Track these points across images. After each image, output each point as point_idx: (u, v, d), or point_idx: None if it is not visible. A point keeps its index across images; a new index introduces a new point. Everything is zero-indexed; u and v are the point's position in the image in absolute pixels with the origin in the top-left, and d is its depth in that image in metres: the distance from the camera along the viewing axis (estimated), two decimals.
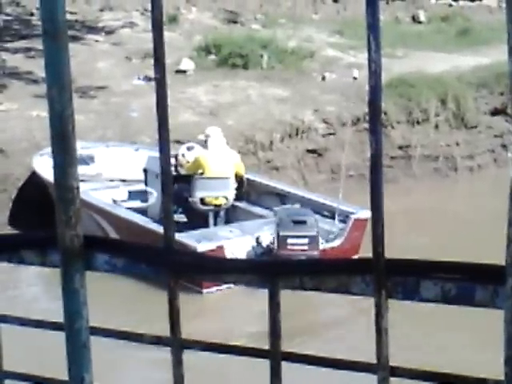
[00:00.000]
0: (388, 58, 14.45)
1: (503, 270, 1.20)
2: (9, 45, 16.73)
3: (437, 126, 14.83)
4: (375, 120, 1.29)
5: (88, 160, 11.09)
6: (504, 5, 1.11)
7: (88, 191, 10.19)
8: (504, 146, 15.33)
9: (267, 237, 9.20)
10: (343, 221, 9.70)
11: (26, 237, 1.63)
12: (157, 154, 1.49)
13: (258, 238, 9.26)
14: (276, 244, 8.79)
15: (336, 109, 14.22)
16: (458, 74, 15.89)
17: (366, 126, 14.23)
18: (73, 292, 1.43)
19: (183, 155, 10.71)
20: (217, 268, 1.44)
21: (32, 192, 11.10)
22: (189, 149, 10.77)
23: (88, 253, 1.48)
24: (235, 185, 10.44)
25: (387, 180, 12.37)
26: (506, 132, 15.43)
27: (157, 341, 1.57)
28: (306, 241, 8.69)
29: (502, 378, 1.23)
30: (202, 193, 10.15)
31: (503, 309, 1.21)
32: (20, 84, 14.57)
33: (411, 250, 9.12)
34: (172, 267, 1.44)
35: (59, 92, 1.40)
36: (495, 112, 15.68)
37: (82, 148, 10.27)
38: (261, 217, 10.29)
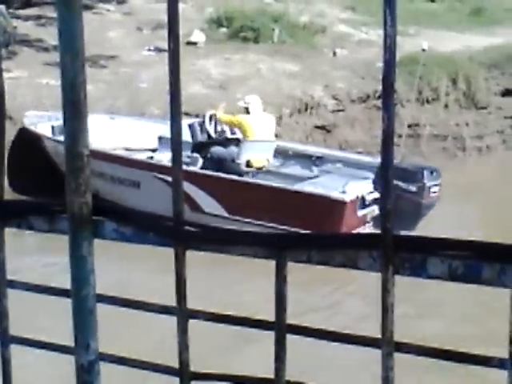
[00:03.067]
0: (400, 36, 14.29)
1: (511, 249, 1.20)
2: (20, 12, 16.68)
3: (446, 106, 14.78)
4: (388, 96, 1.28)
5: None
6: None
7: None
8: None
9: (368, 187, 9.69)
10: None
11: (35, 203, 1.64)
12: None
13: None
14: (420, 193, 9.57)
15: (346, 85, 14.18)
16: (469, 54, 15.82)
17: (376, 103, 14.19)
18: (81, 259, 1.44)
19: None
20: (225, 239, 1.44)
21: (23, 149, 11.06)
22: (210, 118, 11.01)
23: (96, 220, 1.49)
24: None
25: (395, 158, 12.35)
26: None
27: (163, 310, 1.58)
28: (438, 189, 9.79)
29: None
30: (248, 155, 10.30)
31: (510, 287, 1.22)
32: (30, 51, 14.55)
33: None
34: (180, 237, 1.44)
35: (72, 59, 1.40)
36: (506, 93, 15.61)
37: (57, 119, 10.36)
38: (298, 178, 10.48)
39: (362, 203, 9.52)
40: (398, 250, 1.32)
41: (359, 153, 12.01)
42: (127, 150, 11.13)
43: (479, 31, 18.08)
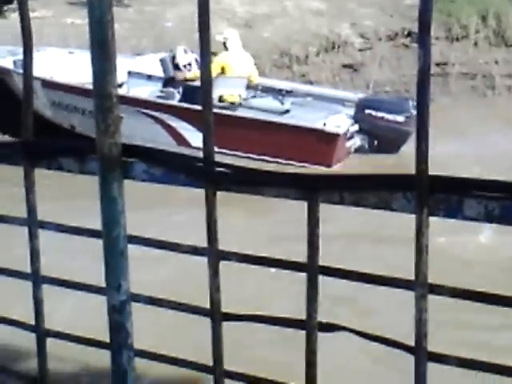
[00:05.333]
0: None
1: None
2: None
3: (476, 44, 14.53)
4: (424, 32, 1.25)
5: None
6: None
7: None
8: None
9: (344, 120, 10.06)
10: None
11: (65, 144, 1.62)
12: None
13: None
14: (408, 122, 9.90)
15: (373, 23, 13.96)
16: None
17: (404, 41, 13.98)
18: (111, 200, 1.43)
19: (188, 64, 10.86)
20: (256, 181, 1.42)
21: None
22: (185, 51, 11.00)
23: (126, 162, 1.47)
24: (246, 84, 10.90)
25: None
26: None
27: (193, 251, 1.57)
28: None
29: None
30: (220, 90, 10.37)
31: None
32: None
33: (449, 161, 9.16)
34: (211, 178, 1.42)
35: None
36: None
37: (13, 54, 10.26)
38: (270, 111, 10.61)
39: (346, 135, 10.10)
40: (433, 191, 1.30)
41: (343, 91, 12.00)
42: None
43: None
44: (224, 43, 10.58)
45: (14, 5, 13.39)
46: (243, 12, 13.97)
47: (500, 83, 14.34)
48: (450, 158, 9.55)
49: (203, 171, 1.42)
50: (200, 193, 1.45)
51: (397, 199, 1.34)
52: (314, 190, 1.38)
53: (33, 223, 1.61)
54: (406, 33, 13.88)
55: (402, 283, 1.39)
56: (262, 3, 14.41)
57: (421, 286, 1.32)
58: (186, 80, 10.63)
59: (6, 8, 13.39)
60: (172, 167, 1.46)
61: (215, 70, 10.24)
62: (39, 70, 10.97)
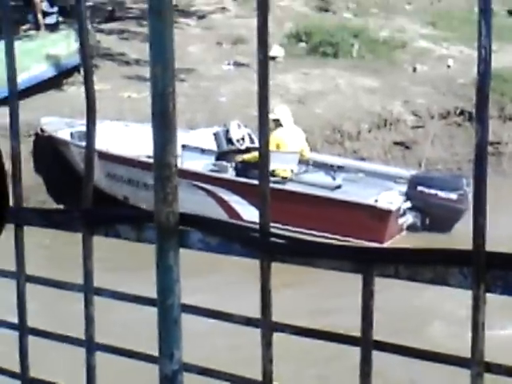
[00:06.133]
0: None
1: None
2: (103, 26, 17.00)
3: None
4: (483, 108, 1.26)
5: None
6: None
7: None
8: None
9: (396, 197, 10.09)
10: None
11: (123, 212, 1.65)
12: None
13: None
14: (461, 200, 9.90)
15: (426, 101, 14.02)
16: None
17: (456, 120, 13.98)
18: (167, 268, 1.44)
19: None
20: (311, 252, 1.43)
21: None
22: (239, 126, 11.19)
23: (183, 230, 1.49)
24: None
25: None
26: None
27: (246, 322, 1.57)
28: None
29: None
30: (274, 165, 10.51)
31: None
32: (112, 65, 14.80)
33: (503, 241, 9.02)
34: (266, 249, 1.43)
35: (163, 69, 1.41)
36: None
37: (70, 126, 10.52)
38: (323, 187, 10.66)
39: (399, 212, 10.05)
40: (490, 267, 1.29)
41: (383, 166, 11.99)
42: (149, 157, 11.25)
43: None
44: (277, 120, 10.68)
45: (72, 78, 13.75)
46: (297, 88, 14.15)
47: None
48: (503, 237, 9.43)
49: (258, 241, 1.43)
50: (255, 262, 1.46)
51: (453, 275, 1.33)
52: (369, 263, 1.38)
53: (89, 290, 1.63)
54: (458, 111, 13.90)
55: (458, 360, 1.37)
56: (315, 80, 14.59)
57: (477, 364, 1.30)
58: (243, 161, 10.66)
59: (64, 81, 13.75)
60: (227, 237, 1.47)
61: (271, 146, 10.32)
62: (96, 142, 11.20)
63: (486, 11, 1.22)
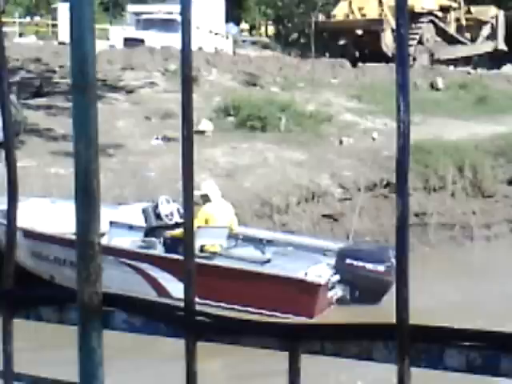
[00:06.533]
0: None
1: None
2: (31, 101, 16.94)
3: (453, 194, 14.82)
4: (402, 181, 1.28)
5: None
6: None
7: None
8: None
9: (325, 270, 10.08)
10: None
11: (44, 292, 1.62)
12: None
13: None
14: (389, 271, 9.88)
15: (353, 173, 14.25)
16: (475, 142, 15.94)
17: (383, 191, 14.22)
18: (89, 351, 1.41)
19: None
20: (237, 330, 1.41)
21: None
22: (167, 201, 11.09)
23: (107, 311, 1.46)
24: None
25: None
26: None
27: None
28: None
29: None
30: (202, 240, 10.38)
31: None
32: (39, 141, 14.71)
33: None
34: (191, 328, 1.41)
35: (86, 146, 1.40)
36: None
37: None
38: (252, 261, 10.56)
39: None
40: (414, 340, 1.29)
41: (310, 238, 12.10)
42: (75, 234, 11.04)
43: (484, 119, 18.27)
44: (204, 195, 10.62)
45: None
46: (225, 162, 14.25)
47: (478, 233, 14.52)
48: (430, 308, 9.53)
49: (183, 320, 1.41)
50: (180, 343, 1.44)
51: (378, 349, 1.33)
52: (295, 340, 1.37)
53: (9, 376, 1.58)
54: (384, 183, 14.15)
55: None
56: (244, 154, 14.72)
57: None
58: (172, 237, 10.58)
59: None
60: (152, 316, 1.45)
61: (200, 221, 10.29)
62: (21, 219, 10.95)
63: (403, 86, 1.26)
